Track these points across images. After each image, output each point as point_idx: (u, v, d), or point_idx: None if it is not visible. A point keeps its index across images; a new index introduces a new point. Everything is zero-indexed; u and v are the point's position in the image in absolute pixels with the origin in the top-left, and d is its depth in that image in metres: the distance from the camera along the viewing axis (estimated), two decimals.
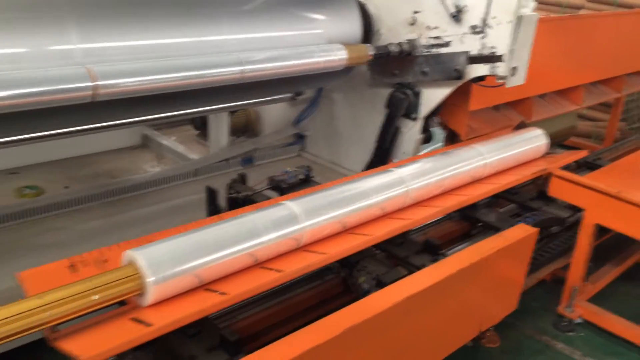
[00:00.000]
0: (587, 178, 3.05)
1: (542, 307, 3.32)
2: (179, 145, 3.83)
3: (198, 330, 1.87)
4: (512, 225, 2.72)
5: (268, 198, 2.62)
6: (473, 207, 2.93)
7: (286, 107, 4.11)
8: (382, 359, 2.06)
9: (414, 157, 2.98)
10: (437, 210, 2.64)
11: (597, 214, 2.96)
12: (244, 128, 4.26)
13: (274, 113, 4.20)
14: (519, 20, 2.84)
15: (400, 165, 2.74)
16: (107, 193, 3.11)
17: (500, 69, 2.93)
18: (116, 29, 2.27)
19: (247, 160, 3.77)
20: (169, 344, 1.84)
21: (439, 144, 3.68)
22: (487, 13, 2.91)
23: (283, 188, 2.72)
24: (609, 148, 4.96)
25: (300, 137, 4.12)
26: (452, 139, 3.61)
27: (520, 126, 3.74)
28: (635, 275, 3.70)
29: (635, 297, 3.51)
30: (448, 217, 3.11)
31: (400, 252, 2.51)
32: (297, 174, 2.82)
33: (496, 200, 3.24)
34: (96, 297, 1.65)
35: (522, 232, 2.61)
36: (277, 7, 2.87)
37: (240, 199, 2.59)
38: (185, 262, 1.81)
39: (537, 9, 7.05)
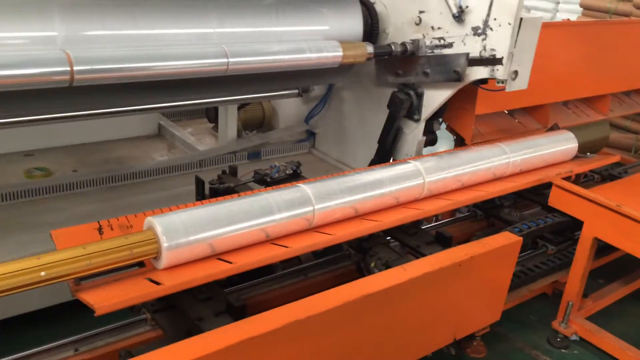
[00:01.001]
0: (588, 189, 2.92)
1: (540, 321, 3.21)
2: (190, 137, 3.93)
3: (209, 296, 2.08)
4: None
5: (251, 189, 2.68)
6: (495, 205, 3.04)
7: (300, 104, 4.15)
8: (330, 356, 2.06)
9: (435, 153, 3.05)
10: (450, 202, 2.73)
11: (596, 227, 2.83)
12: (260, 122, 4.33)
13: (289, 109, 4.24)
14: (520, 22, 2.75)
15: (419, 158, 2.84)
16: (109, 178, 3.24)
17: (500, 72, 2.84)
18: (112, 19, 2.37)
19: (255, 154, 3.83)
20: (183, 306, 2.06)
21: None
22: (488, 14, 2.84)
23: (267, 182, 2.75)
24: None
25: (311, 134, 4.14)
26: (461, 142, 3.54)
27: (553, 128, 3.68)
28: None
29: None
30: (470, 215, 3.35)
31: (412, 242, 2.66)
32: (285, 168, 2.85)
33: (522, 200, 3.32)
34: (115, 255, 1.83)
35: (503, 240, 2.53)
36: (280, 3, 2.91)
37: (222, 190, 2.64)
38: (199, 231, 1.99)
39: (583, 15, 6.76)
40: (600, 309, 3.25)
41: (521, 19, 2.74)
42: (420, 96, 3.25)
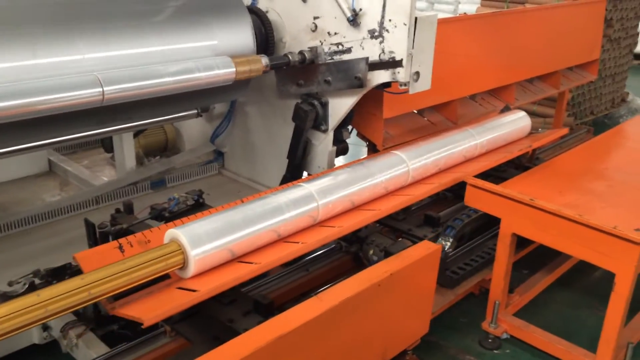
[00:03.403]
0: (501, 186, 2.87)
1: (470, 323, 3.13)
2: (85, 171, 3.59)
3: (233, 299, 2.22)
4: None
5: (150, 227, 2.44)
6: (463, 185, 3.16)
7: (204, 123, 3.91)
8: None
9: (414, 140, 3.28)
10: (435, 186, 2.94)
11: (512, 223, 2.79)
12: (163, 146, 4.05)
13: (194, 129, 3.99)
14: (416, 22, 2.66)
15: (399, 148, 3.06)
16: None
17: (401, 74, 2.74)
18: None
19: (159, 182, 3.55)
20: (209, 313, 2.19)
21: None
22: (383, 16, 2.72)
23: (166, 217, 2.51)
24: (552, 145, 4.83)
25: (219, 154, 3.91)
26: (373, 148, 3.43)
27: (505, 109, 3.90)
28: (572, 281, 3.53)
29: (570, 306, 3.33)
30: (441, 197, 3.60)
31: (404, 226, 2.99)
32: (185, 199, 2.62)
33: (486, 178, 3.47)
34: (149, 269, 1.92)
35: (423, 251, 2.42)
36: (162, 20, 2.67)
37: (113, 233, 2.36)
38: (220, 237, 2.10)
39: (482, 6, 6.87)
40: (528, 301, 3.23)
41: (416, 18, 2.65)
42: (325, 106, 3.10)
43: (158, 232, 2.21)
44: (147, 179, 3.51)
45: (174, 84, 2.46)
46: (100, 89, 2.22)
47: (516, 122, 3.68)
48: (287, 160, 3.26)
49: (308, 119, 3.08)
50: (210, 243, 2.06)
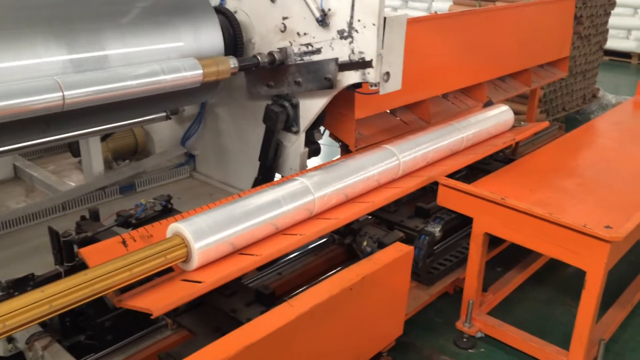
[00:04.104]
0: (473, 185, 2.87)
1: (445, 322, 3.12)
2: (51, 176, 3.50)
3: (234, 290, 2.28)
4: None
5: (116, 234, 2.38)
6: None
7: (175, 125, 3.84)
8: None
9: (407, 134, 3.37)
10: (424, 179, 3.02)
11: (484, 222, 2.79)
12: (133, 150, 3.97)
13: (164, 131, 3.92)
14: (385, 22, 2.64)
15: (390, 142, 3.14)
16: None
17: (371, 75, 2.72)
18: None
19: (128, 187, 3.48)
20: (212, 305, 2.25)
21: None
22: (352, 16, 2.69)
23: (133, 224, 2.45)
24: (525, 142, 4.87)
25: (190, 157, 3.84)
26: (346, 149, 3.40)
27: (488, 104, 3.99)
28: (546, 278, 3.55)
29: (543, 303, 3.35)
30: (429, 190, 3.48)
31: (396, 218, 3.10)
32: (153, 205, 2.55)
33: (471, 171, 3.67)
34: (153, 263, 1.97)
35: (395, 253, 2.40)
36: (127, 21, 2.60)
37: (77, 242, 2.30)
38: (221, 230, 2.16)
39: (455, 4, 6.89)
40: (502, 300, 3.24)
41: (385, 18, 2.63)
42: (295, 107, 3.07)
43: (160, 226, 2.29)
44: (116, 183, 3.43)
45: (139, 87, 2.40)
46: (61, 94, 2.15)
47: (499, 115, 3.78)
48: (259, 163, 3.22)
49: (279, 121, 3.04)
50: (212, 236, 2.12)
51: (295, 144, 3.16)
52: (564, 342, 2.74)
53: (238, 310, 2.18)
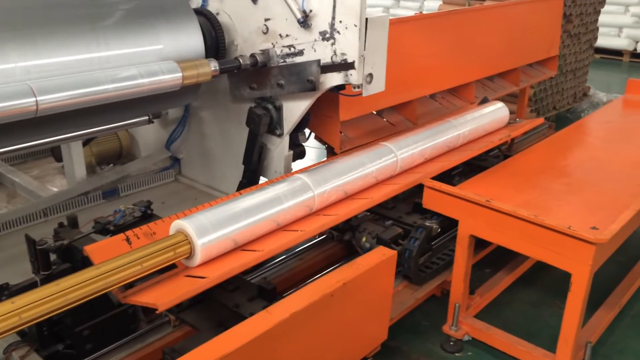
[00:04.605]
0: (459, 187, 2.83)
1: (432, 325, 3.09)
2: (33, 182, 3.45)
3: (236, 286, 2.36)
4: None
5: (94, 241, 2.34)
6: (445, 175, 3.43)
7: (160, 129, 3.79)
8: None
9: (405, 131, 3.42)
10: (421, 175, 3.05)
11: (470, 224, 2.76)
12: (117, 154, 3.92)
13: (149, 135, 3.87)
14: (367, 23, 2.60)
15: (388, 139, 3.19)
16: None
17: (354, 77, 2.68)
18: None
19: (111, 192, 3.43)
20: (215, 299, 2.33)
21: None
22: (333, 17, 2.66)
23: (111, 230, 2.41)
24: (519, 140, 4.85)
25: (176, 160, 3.80)
26: (331, 151, 3.36)
27: (484, 101, 4.01)
28: (534, 279, 3.52)
29: (532, 305, 3.32)
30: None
31: (394, 214, 3.18)
32: (132, 211, 2.51)
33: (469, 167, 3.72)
34: (160, 258, 2.03)
35: (377, 257, 2.37)
36: (104, 24, 2.55)
37: (53, 250, 2.25)
38: (224, 227, 2.21)
39: (444, 3, 6.85)
40: (489, 302, 3.21)
41: (367, 19, 2.59)
42: (279, 109, 3.03)
43: (162, 224, 2.35)
44: (99, 188, 3.38)
45: (115, 91, 2.36)
46: (34, 99, 2.11)
47: (495, 112, 3.84)
48: (244, 166, 3.18)
49: (262, 124, 3.00)
50: (215, 233, 2.17)
51: (279, 147, 3.12)
52: (552, 344, 2.71)
53: (240, 305, 2.27)
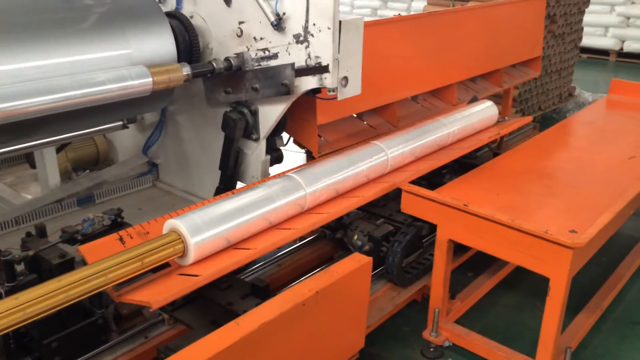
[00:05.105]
0: (437, 191, 2.80)
1: (413, 331, 3.05)
2: (7, 189, 3.38)
3: (229, 284, 2.41)
4: None
5: (62, 252, 2.28)
6: (436, 174, 3.51)
7: (137, 133, 3.73)
8: None
9: (396, 131, 3.45)
10: (412, 173, 3.09)
11: (448, 229, 2.72)
12: (94, 159, 3.86)
13: (127, 140, 3.81)
14: (340, 25, 2.56)
15: (378, 138, 3.21)
16: None
17: (328, 80, 2.64)
18: None
19: (86, 199, 3.37)
20: (209, 298, 2.36)
21: None
22: (307, 20, 2.61)
23: (79, 240, 2.35)
24: (508, 139, 4.83)
25: (153, 166, 3.74)
26: (310, 155, 3.32)
27: (473, 100, 3.99)
28: (516, 282, 3.48)
29: (513, 309, 3.29)
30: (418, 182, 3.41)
31: (385, 212, 3.22)
32: (101, 220, 2.45)
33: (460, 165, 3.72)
34: (150, 259, 2.04)
35: (352, 264, 2.32)
36: (68, 29, 2.49)
37: (18, 261, 2.19)
38: (217, 226, 2.24)
39: (429, 4, 6.81)
40: (470, 306, 3.18)
41: (340, 22, 2.55)
42: (254, 114, 2.98)
43: (156, 224, 2.36)
44: (74, 195, 3.32)
45: (82, 97, 2.30)
46: None
47: (484, 111, 3.85)
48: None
49: (237, 128, 2.95)
50: (208, 231, 2.19)
51: (256, 152, 3.07)
52: (533, 348, 2.67)
53: (233, 303, 2.29)
